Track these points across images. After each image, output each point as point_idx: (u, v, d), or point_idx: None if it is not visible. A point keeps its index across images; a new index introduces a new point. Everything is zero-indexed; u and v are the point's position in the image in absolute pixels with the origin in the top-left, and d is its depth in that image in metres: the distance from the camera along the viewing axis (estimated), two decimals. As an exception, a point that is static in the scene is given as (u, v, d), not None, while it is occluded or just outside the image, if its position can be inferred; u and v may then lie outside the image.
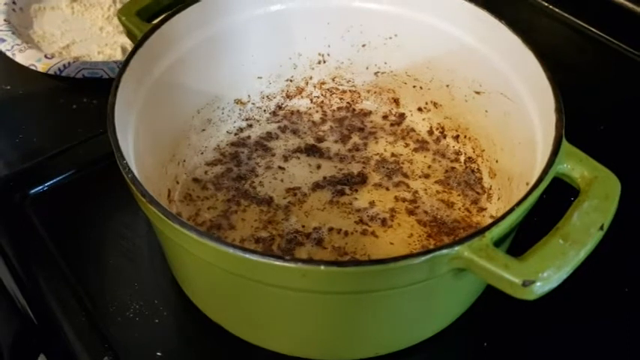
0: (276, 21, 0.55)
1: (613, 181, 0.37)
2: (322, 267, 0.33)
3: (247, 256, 0.33)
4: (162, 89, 0.49)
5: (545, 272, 0.33)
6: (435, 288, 0.38)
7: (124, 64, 0.44)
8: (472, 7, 0.49)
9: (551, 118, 0.41)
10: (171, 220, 0.35)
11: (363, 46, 0.57)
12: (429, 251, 0.33)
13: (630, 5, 0.68)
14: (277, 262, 0.33)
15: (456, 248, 0.34)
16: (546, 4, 0.74)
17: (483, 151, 0.54)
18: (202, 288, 0.43)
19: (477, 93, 0.52)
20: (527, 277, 0.33)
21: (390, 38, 0.56)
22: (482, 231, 0.34)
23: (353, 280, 0.34)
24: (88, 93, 0.64)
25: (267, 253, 0.33)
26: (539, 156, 0.42)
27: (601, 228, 0.35)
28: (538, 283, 0.33)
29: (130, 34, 0.49)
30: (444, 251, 0.34)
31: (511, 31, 0.47)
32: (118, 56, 0.68)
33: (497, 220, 0.35)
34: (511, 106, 0.48)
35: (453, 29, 0.52)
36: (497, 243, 0.35)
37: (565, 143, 0.39)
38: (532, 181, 0.39)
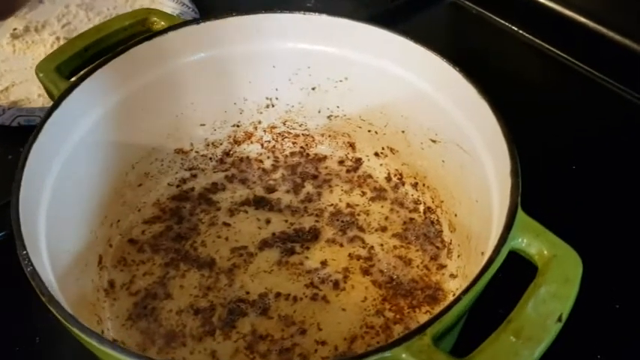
0: (214, 66, 0.50)
1: (573, 261, 0.33)
2: (238, 380, 0.29)
3: (153, 369, 0.29)
4: (86, 150, 0.44)
5: (494, 379, 0.29)
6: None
7: (36, 133, 0.39)
8: (425, 51, 0.45)
9: (507, 181, 0.37)
10: (72, 324, 0.31)
11: (313, 89, 0.53)
12: (360, 356, 0.29)
13: (615, 37, 0.65)
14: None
15: (392, 351, 0.30)
16: (529, 36, 0.70)
17: (442, 202, 0.50)
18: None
19: (433, 141, 0.48)
20: (472, 386, 0.29)
21: (341, 81, 0.52)
22: (422, 328, 0.30)
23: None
24: (25, 141, 0.60)
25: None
26: (494, 222, 0.38)
27: (559, 319, 0.31)
28: (486, 392, 0.29)
29: (49, 93, 0.45)
30: (378, 356, 0.29)
31: (466, 80, 0.43)
32: (58, 99, 0.63)
33: (439, 315, 0.31)
34: (467, 159, 0.44)
35: (406, 74, 0.48)
36: (441, 337, 0.31)
37: (521, 214, 0.35)
38: (487, 253, 0.35)
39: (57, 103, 0.41)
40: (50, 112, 0.41)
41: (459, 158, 0.45)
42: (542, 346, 0.30)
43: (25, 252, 0.33)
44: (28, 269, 0.33)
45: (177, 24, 0.48)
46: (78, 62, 0.46)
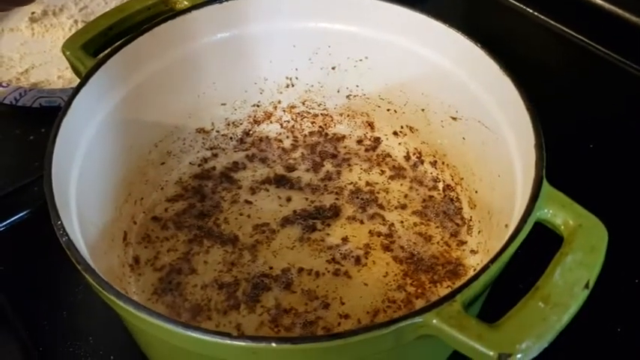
0: (236, 46, 0.51)
1: (599, 230, 0.34)
2: (274, 344, 0.29)
3: (189, 333, 0.30)
4: (111, 127, 0.45)
5: (524, 343, 0.29)
6: (403, 353, 0.34)
7: (65, 108, 0.40)
8: (446, 29, 0.46)
9: (531, 154, 0.38)
10: (108, 291, 0.31)
11: (333, 68, 0.54)
12: (392, 322, 0.30)
13: (631, 18, 0.65)
14: (224, 341, 0.29)
15: (423, 316, 0.30)
16: (545, 18, 0.70)
17: (462, 179, 0.50)
18: (155, 354, 0.40)
19: (454, 119, 0.49)
20: (503, 350, 0.29)
21: (361, 60, 0.52)
22: (452, 295, 0.31)
23: (308, 357, 0.30)
24: (46, 122, 0.60)
25: (210, 330, 0.29)
26: (518, 195, 0.39)
27: (586, 286, 0.32)
28: (517, 356, 0.29)
29: (75, 70, 0.45)
30: (409, 321, 0.30)
31: (488, 56, 0.43)
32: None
33: (468, 282, 0.31)
34: (489, 136, 0.45)
35: (427, 52, 0.48)
36: (470, 304, 0.32)
37: (546, 185, 0.36)
38: (511, 225, 0.36)
39: (85, 80, 0.42)
40: (78, 88, 0.42)
41: (480, 135, 0.46)
42: (569, 312, 0.31)
43: (60, 222, 0.34)
44: (64, 239, 0.34)
45: (200, 3, 0.48)
46: (102, 41, 0.46)
